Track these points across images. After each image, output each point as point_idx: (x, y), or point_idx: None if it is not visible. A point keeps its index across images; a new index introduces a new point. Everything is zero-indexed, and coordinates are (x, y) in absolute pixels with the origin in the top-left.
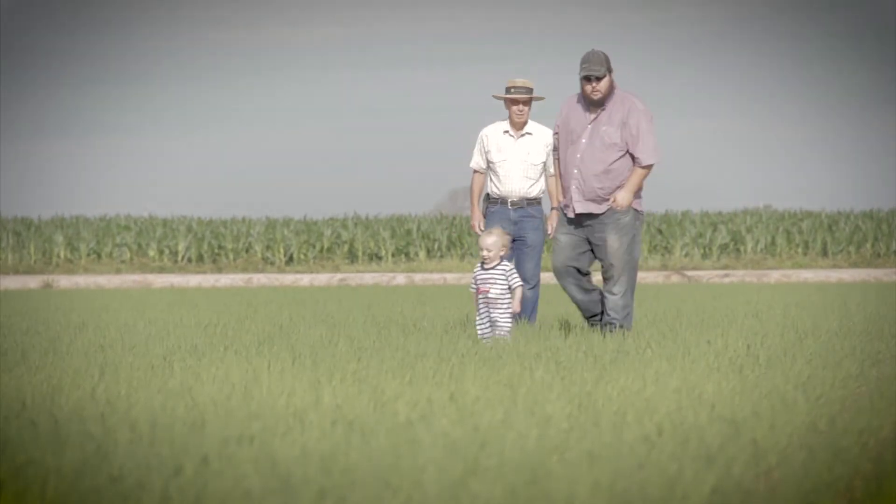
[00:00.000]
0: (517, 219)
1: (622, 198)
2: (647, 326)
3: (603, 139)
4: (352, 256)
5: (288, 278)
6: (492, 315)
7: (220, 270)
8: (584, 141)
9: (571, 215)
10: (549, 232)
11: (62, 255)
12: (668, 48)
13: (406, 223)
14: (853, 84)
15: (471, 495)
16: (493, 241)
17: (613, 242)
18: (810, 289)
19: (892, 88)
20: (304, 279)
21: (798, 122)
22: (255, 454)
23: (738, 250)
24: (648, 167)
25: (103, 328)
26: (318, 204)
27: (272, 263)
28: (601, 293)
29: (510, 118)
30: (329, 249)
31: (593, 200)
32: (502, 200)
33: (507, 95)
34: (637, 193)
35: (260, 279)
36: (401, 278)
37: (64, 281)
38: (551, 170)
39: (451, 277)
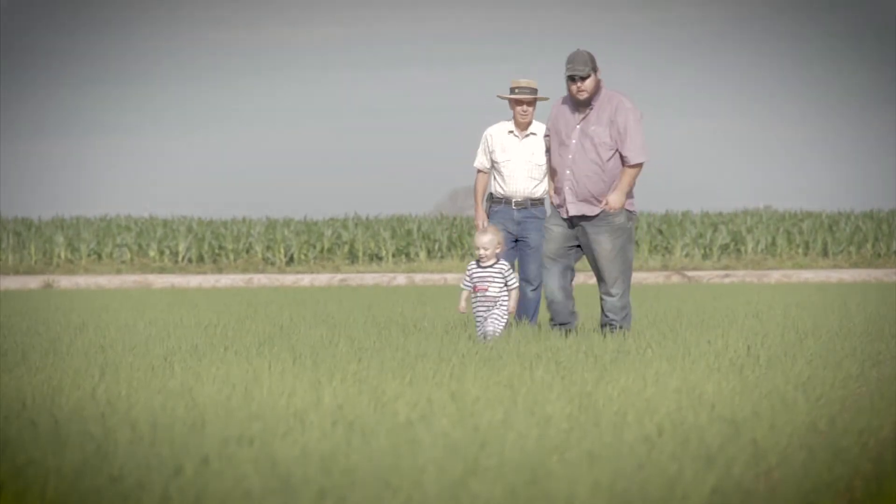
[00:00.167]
0: (521, 219)
1: (615, 200)
2: (648, 327)
3: (593, 139)
4: (352, 257)
5: (288, 279)
6: (488, 313)
7: (220, 271)
8: (574, 142)
9: (565, 216)
10: None
11: (62, 255)
12: (668, 48)
13: (406, 223)
14: (853, 84)
15: (471, 495)
16: (488, 239)
17: (608, 245)
18: (811, 289)
19: (892, 88)
20: (305, 279)
21: (798, 122)
22: (256, 454)
23: (738, 251)
24: (638, 166)
25: (103, 328)
26: (318, 204)
27: (272, 264)
28: (598, 298)
29: (514, 118)
30: (329, 250)
31: (587, 201)
32: (506, 200)
33: (512, 96)
34: (629, 193)
35: (260, 279)
36: (401, 279)
37: (64, 281)
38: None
39: (451, 278)
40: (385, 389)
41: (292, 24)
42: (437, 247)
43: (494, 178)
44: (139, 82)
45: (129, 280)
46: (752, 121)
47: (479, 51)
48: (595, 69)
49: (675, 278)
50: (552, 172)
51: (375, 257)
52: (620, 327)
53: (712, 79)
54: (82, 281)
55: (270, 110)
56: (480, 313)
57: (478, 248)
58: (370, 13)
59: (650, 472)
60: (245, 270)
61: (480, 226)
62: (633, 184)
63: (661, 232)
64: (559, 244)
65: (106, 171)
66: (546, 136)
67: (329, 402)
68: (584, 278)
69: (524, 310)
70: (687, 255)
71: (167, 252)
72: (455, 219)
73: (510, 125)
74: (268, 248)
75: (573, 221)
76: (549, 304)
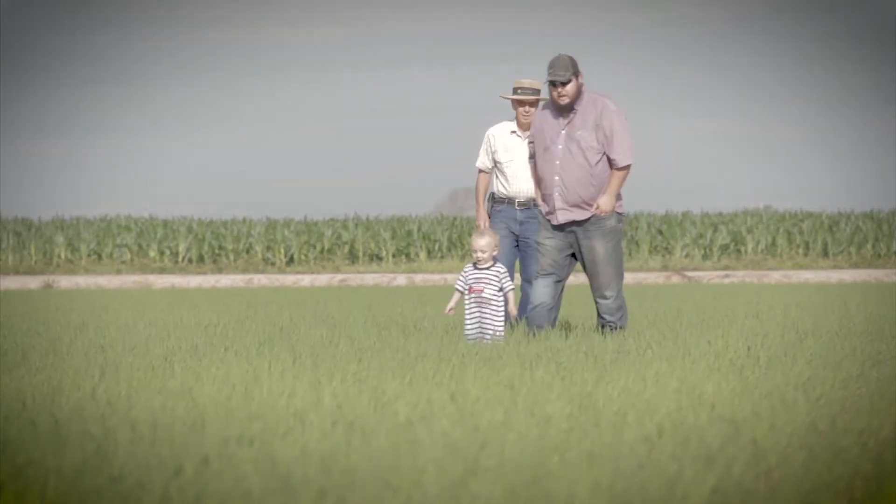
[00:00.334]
0: (523, 219)
1: (605, 203)
2: (648, 327)
3: (580, 143)
4: (352, 257)
5: (288, 279)
6: (483, 316)
7: (220, 271)
8: (560, 147)
9: (556, 223)
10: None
11: (62, 255)
12: (668, 48)
13: (407, 224)
14: (853, 84)
15: (471, 495)
16: (486, 242)
17: (600, 249)
18: (811, 289)
19: (892, 88)
20: (305, 280)
21: (798, 122)
22: (256, 454)
23: (738, 251)
24: (626, 168)
25: (103, 329)
26: (318, 204)
27: (273, 264)
28: (594, 303)
29: (517, 119)
30: (329, 250)
31: (577, 206)
32: (509, 200)
33: (515, 96)
34: (618, 196)
35: (260, 280)
36: (401, 279)
37: (64, 281)
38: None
39: (451, 278)
40: (385, 389)
41: (292, 24)
42: (437, 247)
43: (497, 178)
44: (139, 82)
45: (129, 280)
46: (752, 121)
47: (479, 51)
48: (577, 73)
49: (675, 279)
50: (538, 180)
51: (375, 258)
52: (620, 327)
53: (712, 79)
54: (82, 281)
55: (270, 110)
56: (473, 312)
57: (475, 251)
58: (370, 13)
59: (650, 472)
60: (245, 271)
61: (482, 226)
62: (622, 186)
63: (661, 232)
64: (553, 257)
65: (106, 171)
66: (530, 142)
67: (329, 402)
68: (585, 278)
69: (524, 310)
70: (687, 256)
71: (167, 252)
72: (455, 219)
73: (512, 125)
74: (268, 248)
75: (564, 228)
76: (532, 309)
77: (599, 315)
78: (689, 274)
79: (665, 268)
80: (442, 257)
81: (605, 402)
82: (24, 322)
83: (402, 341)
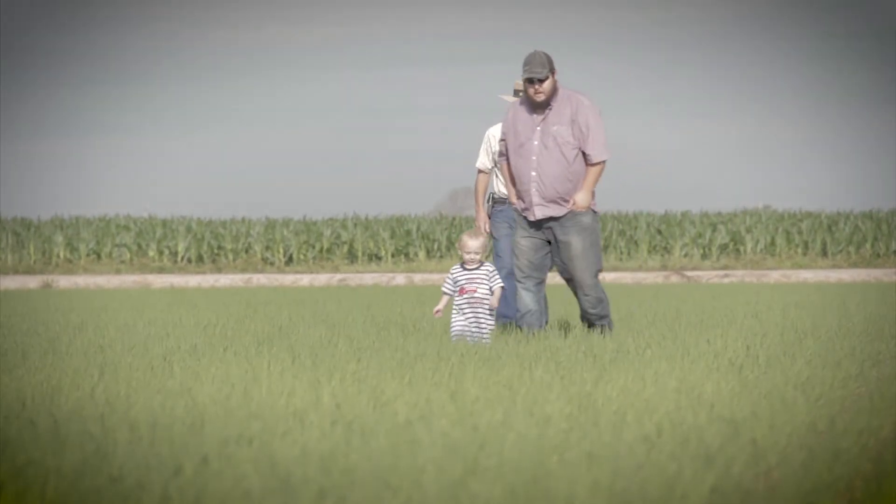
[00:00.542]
0: None
1: (581, 199)
2: (647, 326)
3: (556, 139)
4: (351, 257)
5: (287, 278)
6: (478, 316)
7: (219, 271)
8: (536, 143)
9: (532, 219)
10: (481, 226)
11: (62, 255)
12: (668, 48)
13: (406, 223)
14: (853, 84)
15: (470, 495)
16: (480, 243)
17: (578, 244)
18: (810, 289)
19: (892, 88)
20: (304, 279)
21: (798, 122)
22: (255, 454)
23: (737, 250)
24: (601, 163)
25: (103, 328)
26: (317, 204)
27: (272, 264)
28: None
29: None
30: (329, 250)
31: (554, 202)
32: (509, 201)
33: (514, 97)
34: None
35: (259, 279)
36: (400, 279)
37: (63, 281)
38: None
39: None
40: (384, 389)
41: (292, 24)
42: (436, 247)
43: (496, 178)
44: (139, 82)
45: (129, 280)
46: (751, 121)
47: (479, 51)
48: (552, 70)
49: (675, 278)
50: (512, 177)
51: (375, 257)
52: (603, 317)
53: (712, 79)
54: (81, 281)
55: (270, 110)
56: (466, 312)
57: (470, 252)
58: (370, 13)
59: (649, 471)
60: (244, 270)
61: (482, 227)
62: (597, 182)
63: (660, 232)
64: (529, 258)
65: (106, 171)
66: (501, 140)
67: (328, 401)
68: None
69: (512, 310)
70: (686, 255)
71: (166, 252)
72: (454, 219)
73: None
74: (267, 247)
75: (539, 224)
76: (523, 316)
77: (583, 309)
78: (689, 273)
79: (664, 267)
80: (441, 257)
81: (605, 402)
82: (23, 322)
83: (401, 341)
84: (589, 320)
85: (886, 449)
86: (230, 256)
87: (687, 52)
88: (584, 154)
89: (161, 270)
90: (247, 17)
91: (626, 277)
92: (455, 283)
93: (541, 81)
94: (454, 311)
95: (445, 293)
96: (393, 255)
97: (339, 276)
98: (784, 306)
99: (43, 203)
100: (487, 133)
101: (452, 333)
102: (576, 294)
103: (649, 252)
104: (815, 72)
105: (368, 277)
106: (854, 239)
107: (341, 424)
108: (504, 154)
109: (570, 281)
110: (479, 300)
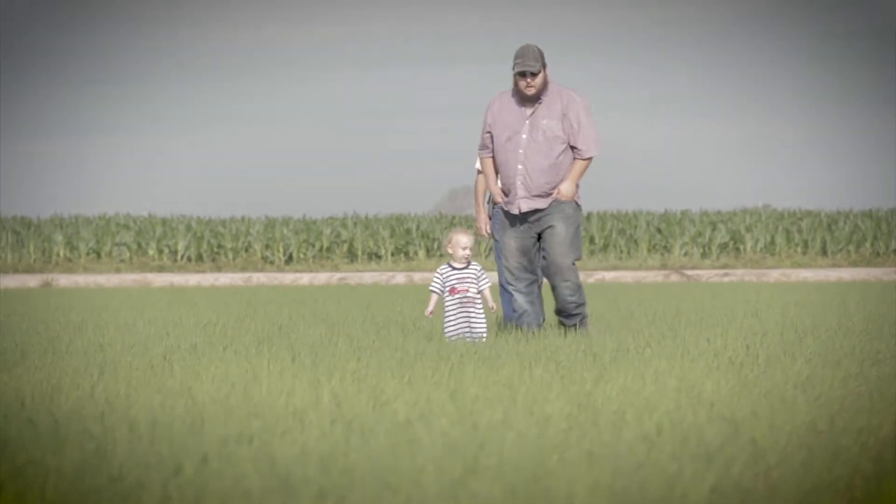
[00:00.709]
0: None
1: (566, 188)
2: (647, 325)
3: (545, 133)
4: (351, 256)
5: (287, 277)
6: (471, 315)
7: (219, 269)
8: (524, 136)
9: (516, 212)
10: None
11: (61, 254)
12: (669, 48)
13: (405, 222)
14: (853, 84)
15: (470, 495)
16: (471, 238)
17: (562, 231)
18: (809, 288)
19: (892, 88)
20: (304, 278)
21: (798, 122)
22: (255, 453)
23: (737, 249)
24: (590, 159)
25: (102, 327)
26: (317, 203)
27: (271, 262)
28: (539, 288)
29: None
30: (328, 249)
31: (539, 196)
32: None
33: None
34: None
35: (259, 278)
36: (400, 277)
37: (63, 280)
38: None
39: None
40: (384, 388)
41: (292, 24)
42: (436, 246)
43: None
44: (139, 82)
45: (128, 279)
46: (751, 120)
47: (478, 50)
48: (544, 65)
49: (674, 277)
50: (497, 170)
51: (374, 256)
52: (580, 305)
53: (712, 79)
54: (81, 280)
55: (270, 110)
56: (459, 312)
57: (464, 248)
58: (370, 13)
59: (649, 471)
60: (244, 269)
61: (483, 228)
62: (582, 176)
63: (660, 231)
64: (518, 259)
65: (105, 171)
66: (487, 132)
67: (328, 401)
68: (584, 277)
69: (509, 310)
70: (686, 254)
71: (166, 251)
72: (454, 218)
73: None
74: (267, 246)
75: (525, 217)
76: (520, 316)
77: (560, 297)
78: (688, 272)
79: (664, 266)
80: (441, 256)
81: (605, 401)
82: (22, 321)
83: (400, 340)
84: (566, 311)
85: (886, 448)
86: (230, 255)
87: (687, 52)
88: (573, 148)
89: (161, 269)
90: (247, 17)
91: (626, 276)
92: (445, 283)
93: (534, 75)
94: (447, 312)
95: (434, 292)
96: (393, 254)
97: (338, 275)
98: (784, 305)
99: (43, 202)
100: None
101: (447, 335)
102: (554, 286)
103: (649, 251)
104: (815, 72)
105: (368, 276)
106: (854, 238)
107: (341, 424)
108: (487, 146)
109: (549, 270)
110: (471, 300)
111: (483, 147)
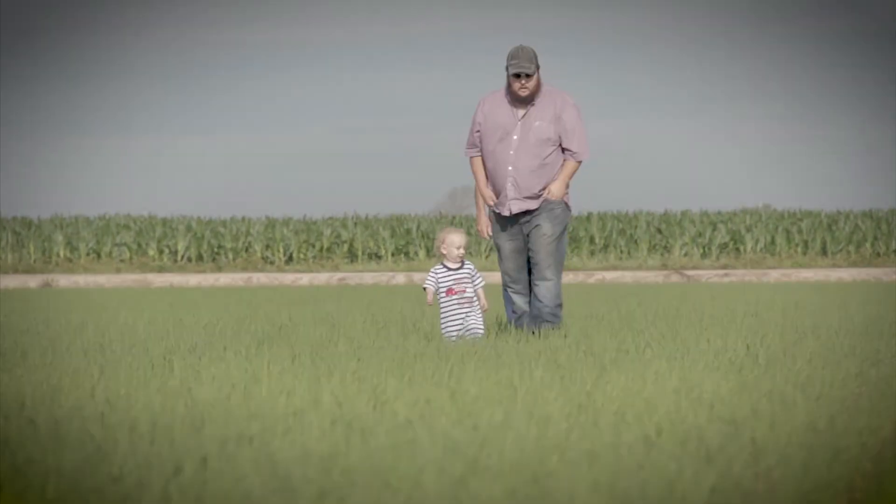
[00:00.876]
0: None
1: (556, 189)
2: (647, 326)
3: (537, 134)
4: (351, 256)
5: (287, 278)
6: (468, 315)
7: (219, 270)
8: (515, 138)
9: (507, 214)
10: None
11: (62, 254)
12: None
13: (406, 223)
14: (853, 84)
15: (471, 495)
16: (464, 237)
17: (548, 230)
18: (810, 288)
19: (892, 88)
20: (304, 279)
21: (798, 122)
22: (255, 454)
23: (737, 250)
24: (580, 161)
25: (103, 328)
26: (317, 203)
27: (272, 263)
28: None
29: None
30: (329, 249)
31: (530, 198)
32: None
33: None
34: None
35: (259, 278)
36: (400, 278)
37: (63, 280)
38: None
39: None
40: (384, 389)
41: (292, 24)
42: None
43: None
44: (139, 82)
45: (129, 279)
46: (752, 121)
47: (478, 50)
48: (538, 66)
49: (675, 277)
50: (486, 170)
51: (375, 256)
52: (557, 306)
53: (712, 79)
54: (81, 280)
55: (270, 110)
56: (457, 312)
57: (459, 247)
58: (371, 13)
59: (649, 471)
60: (244, 269)
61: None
62: (572, 177)
63: (660, 231)
64: (515, 261)
65: (106, 171)
66: (477, 131)
67: (328, 401)
68: (584, 277)
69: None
70: (686, 255)
71: (166, 251)
72: (454, 218)
73: None
74: (267, 247)
75: (515, 218)
76: (519, 318)
77: (537, 299)
78: (688, 273)
79: (664, 266)
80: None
81: (605, 402)
82: (23, 321)
83: (401, 340)
84: (541, 315)
85: (886, 448)
86: (230, 255)
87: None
88: (566, 150)
89: (161, 269)
90: (247, 17)
91: (626, 276)
92: (439, 284)
93: (528, 77)
94: (445, 313)
95: (429, 287)
96: (393, 255)
97: (339, 276)
98: (784, 305)
99: (43, 202)
100: None
101: (446, 335)
102: (535, 283)
103: (649, 251)
104: (815, 72)
105: (368, 276)
106: (854, 238)
107: (341, 424)
108: (476, 145)
109: (532, 271)
110: (468, 300)
111: (472, 146)
